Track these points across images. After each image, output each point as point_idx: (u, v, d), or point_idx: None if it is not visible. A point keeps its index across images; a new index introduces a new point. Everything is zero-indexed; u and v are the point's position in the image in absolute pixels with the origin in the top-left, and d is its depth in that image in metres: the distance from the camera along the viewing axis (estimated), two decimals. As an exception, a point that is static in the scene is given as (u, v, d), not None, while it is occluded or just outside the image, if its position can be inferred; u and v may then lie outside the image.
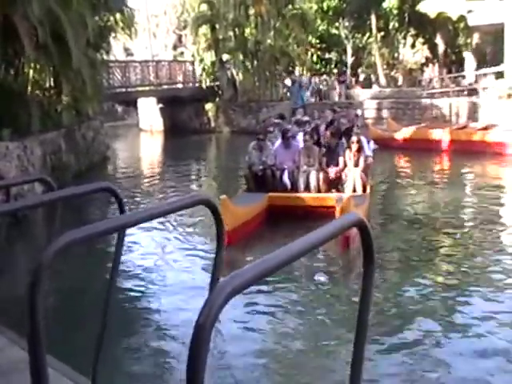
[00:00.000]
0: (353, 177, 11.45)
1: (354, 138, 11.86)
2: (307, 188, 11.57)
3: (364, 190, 11.31)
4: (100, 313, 2.83)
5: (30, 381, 3.23)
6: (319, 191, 11.48)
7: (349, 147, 11.86)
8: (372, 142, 13.89)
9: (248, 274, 1.42)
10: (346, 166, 11.73)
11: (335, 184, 11.60)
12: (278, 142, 12.42)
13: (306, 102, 21.80)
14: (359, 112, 17.74)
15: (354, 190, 11.24)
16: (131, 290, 8.11)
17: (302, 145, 12.23)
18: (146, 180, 17.71)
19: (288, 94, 28.22)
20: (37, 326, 2.02)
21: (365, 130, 14.50)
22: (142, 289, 8.29)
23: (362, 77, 32.15)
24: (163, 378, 5.74)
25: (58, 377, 3.31)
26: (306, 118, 15.59)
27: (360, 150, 11.78)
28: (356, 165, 11.67)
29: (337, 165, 11.74)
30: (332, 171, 11.63)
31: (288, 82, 28.02)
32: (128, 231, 3.15)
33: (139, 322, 7.25)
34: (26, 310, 2.01)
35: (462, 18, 26.35)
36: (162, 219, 10.23)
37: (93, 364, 2.83)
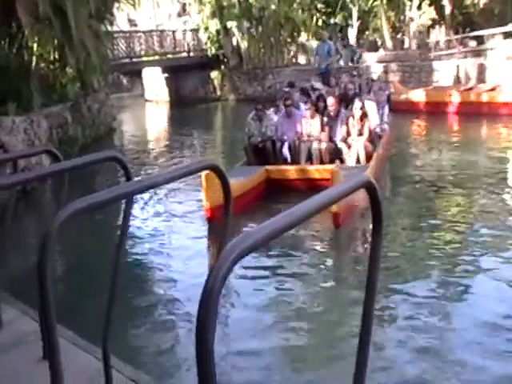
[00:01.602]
0: (356, 146, 10.87)
1: (358, 104, 11.21)
2: (309, 159, 11.08)
3: (368, 161, 10.61)
4: (109, 281, 2.84)
5: (42, 350, 3.28)
6: (322, 163, 10.89)
7: (352, 115, 11.26)
8: (387, 108, 13.44)
9: (255, 236, 1.41)
10: (349, 134, 11.13)
11: (339, 154, 11.05)
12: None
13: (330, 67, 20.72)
14: (374, 76, 17.01)
15: (358, 161, 10.76)
16: (139, 256, 8.22)
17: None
18: (152, 150, 17.72)
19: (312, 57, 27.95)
20: (47, 295, 2.03)
21: (381, 95, 13.90)
22: (150, 255, 8.41)
23: (352, 40, 31.24)
24: (173, 345, 5.79)
25: (68, 346, 3.34)
26: (317, 86, 15.30)
27: (364, 117, 11.15)
28: (360, 133, 11.05)
29: (341, 133, 11.20)
30: (331, 141, 11.13)
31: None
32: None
33: (148, 289, 7.33)
34: (35, 281, 2.02)
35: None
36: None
37: (103, 332, 2.85)
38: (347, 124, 11.21)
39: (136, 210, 10.33)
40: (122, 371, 3.18)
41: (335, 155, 11.05)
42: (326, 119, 11.41)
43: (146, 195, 10.83)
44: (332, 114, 11.40)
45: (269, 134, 11.52)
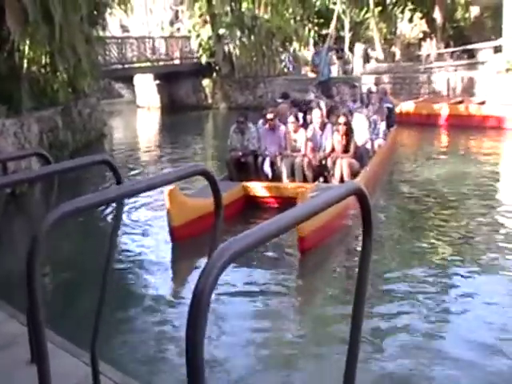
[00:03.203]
0: (340, 164, 10.23)
1: (341, 119, 10.42)
2: (292, 176, 10.49)
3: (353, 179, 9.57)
4: (98, 284, 2.83)
5: (30, 354, 3.25)
6: (305, 180, 10.35)
7: (337, 129, 10.56)
8: (384, 123, 12.83)
9: (247, 240, 1.42)
10: (333, 150, 10.53)
11: (323, 172, 10.49)
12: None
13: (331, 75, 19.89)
14: (374, 88, 15.88)
15: (342, 179, 10.05)
16: (128, 261, 8.17)
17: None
18: (142, 158, 17.69)
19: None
20: (35, 298, 2.02)
21: (379, 108, 13.27)
22: (140, 258, 8.34)
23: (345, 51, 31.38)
24: (163, 346, 5.77)
25: (56, 350, 3.32)
26: (311, 97, 14.75)
27: (349, 132, 10.46)
28: (345, 150, 10.44)
29: (325, 150, 10.64)
30: (314, 157, 10.53)
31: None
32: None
33: (138, 292, 7.29)
34: (23, 284, 2.01)
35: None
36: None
37: (92, 337, 2.84)
38: (332, 139, 10.67)
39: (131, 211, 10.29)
40: (110, 376, 3.16)
41: (319, 172, 10.56)
42: (310, 133, 10.90)
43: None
44: (317, 128, 10.91)
45: (251, 148, 11.02)
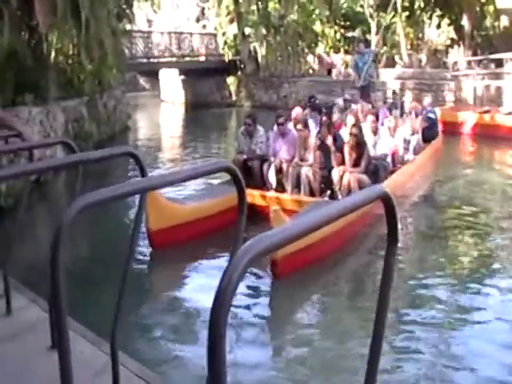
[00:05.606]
0: (348, 179, 9.36)
1: (354, 130, 9.65)
2: (298, 187, 9.73)
3: None
4: (120, 275, 2.85)
5: (51, 339, 3.29)
6: (311, 193, 9.60)
7: (347, 141, 9.75)
8: (416, 137, 11.92)
9: (270, 240, 1.41)
10: (343, 163, 9.64)
11: (331, 185, 9.64)
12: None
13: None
14: (408, 98, 14.29)
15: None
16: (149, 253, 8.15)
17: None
18: (165, 152, 17.76)
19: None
20: (58, 287, 2.04)
21: (411, 118, 12.42)
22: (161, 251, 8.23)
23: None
24: (183, 341, 5.77)
25: (76, 338, 3.35)
26: (337, 101, 14.20)
27: (360, 145, 9.61)
28: (355, 164, 9.58)
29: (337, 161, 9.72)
30: (322, 169, 9.71)
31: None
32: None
33: (160, 284, 7.30)
34: (46, 270, 2.04)
35: (490, 0, 25.92)
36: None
37: (112, 327, 2.86)
38: (342, 151, 9.72)
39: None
40: (128, 367, 3.19)
41: (327, 186, 9.73)
42: (318, 142, 9.98)
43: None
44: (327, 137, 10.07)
45: (258, 153, 10.36)
